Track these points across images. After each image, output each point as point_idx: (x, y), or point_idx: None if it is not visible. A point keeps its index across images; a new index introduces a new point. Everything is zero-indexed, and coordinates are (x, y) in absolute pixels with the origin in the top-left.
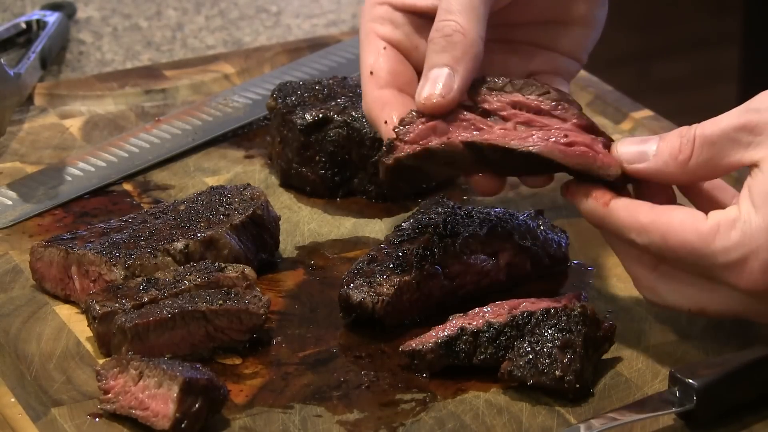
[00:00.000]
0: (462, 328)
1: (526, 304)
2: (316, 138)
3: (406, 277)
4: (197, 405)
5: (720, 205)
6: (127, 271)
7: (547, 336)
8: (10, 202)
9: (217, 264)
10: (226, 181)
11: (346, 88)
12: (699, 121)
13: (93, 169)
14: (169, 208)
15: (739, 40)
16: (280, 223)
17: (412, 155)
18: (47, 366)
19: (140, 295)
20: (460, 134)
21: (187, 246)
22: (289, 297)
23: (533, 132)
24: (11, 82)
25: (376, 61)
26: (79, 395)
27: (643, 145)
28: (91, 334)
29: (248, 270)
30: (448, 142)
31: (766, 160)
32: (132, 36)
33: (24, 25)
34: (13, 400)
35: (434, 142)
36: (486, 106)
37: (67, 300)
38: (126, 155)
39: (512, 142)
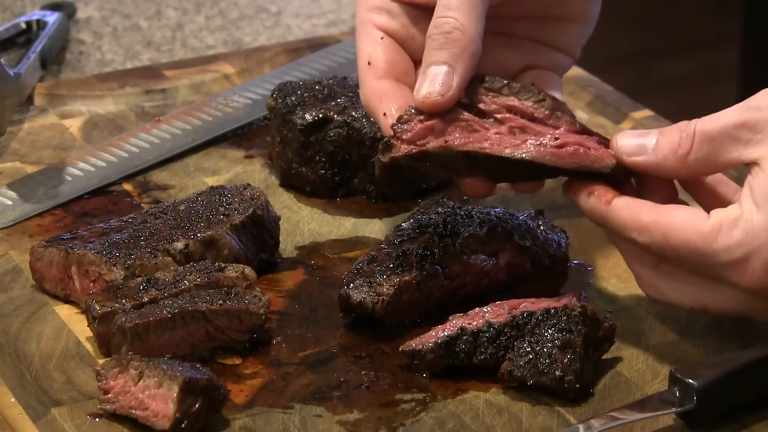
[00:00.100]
0: (462, 328)
1: (526, 304)
2: (316, 138)
3: (406, 277)
4: (197, 405)
5: (721, 200)
6: (127, 271)
7: (547, 336)
8: (10, 202)
9: (217, 264)
10: (226, 181)
11: (346, 88)
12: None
13: (93, 169)
14: (169, 208)
15: (739, 40)
16: (280, 223)
17: (409, 156)
18: (47, 366)
19: (140, 295)
20: (457, 139)
21: (187, 246)
22: (289, 297)
23: (526, 138)
24: (11, 82)
25: (374, 51)
26: (79, 395)
27: (643, 139)
28: (91, 334)
29: (248, 270)
30: (445, 146)
31: (765, 158)
32: (132, 36)
33: (24, 25)
34: (13, 400)
35: (431, 144)
36: (482, 106)
37: (67, 300)
38: (126, 155)
39: (506, 150)
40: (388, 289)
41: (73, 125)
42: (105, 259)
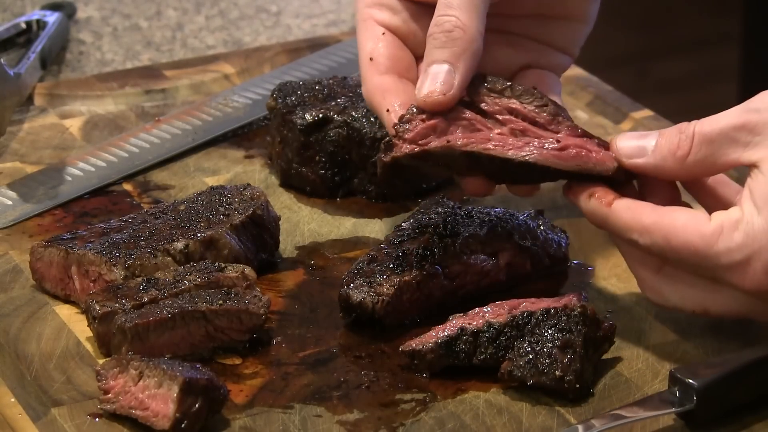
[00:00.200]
0: (462, 328)
1: (526, 304)
2: (316, 138)
3: (406, 277)
4: (197, 405)
5: (723, 201)
6: (127, 271)
7: (547, 336)
8: (10, 202)
9: (217, 264)
10: (226, 181)
11: (346, 88)
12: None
13: (93, 169)
14: (169, 208)
15: (739, 40)
16: (280, 223)
17: (410, 155)
18: (47, 366)
19: (140, 295)
20: (459, 139)
21: (187, 246)
22: (289, 297)
23: (528, 141)
24: (11, 82)
25: (375, 47)
26: (79, 395)
27: (642, 140)
28: (91, 334)
29: (248, 270)
30: (447, 146)
31: (765, 161)
32: (132, 36)
33: (24, 25)
34: (13, 400)
35: (433, 144)
36: (484, 107)
37: (67, 300)
38: (126, 155)
39: (509, 152)
40: (388, 289)
41: (73, 125)
42: (105, 259)
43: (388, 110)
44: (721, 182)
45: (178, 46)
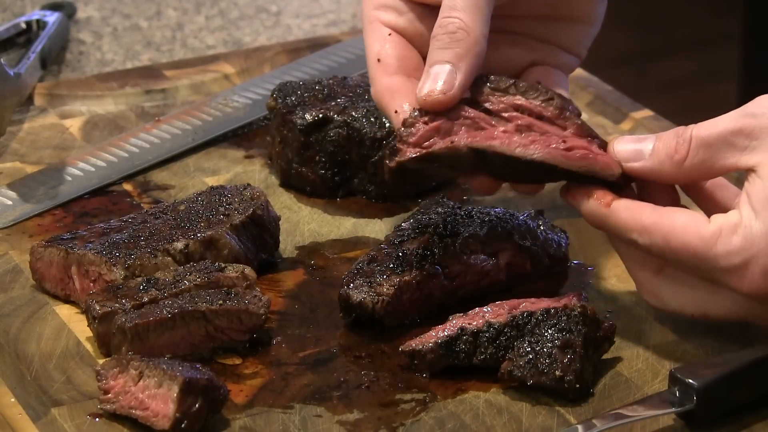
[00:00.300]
0: (462, 328)
1: (526, 304)
2: (316, 138)
3: (406, 277)
4: (197, 405)
5: (721, 204)
6: (127, 271)
7: (547, 336)
8: (10, 202)
9: (217, 264)
10: (226, 181)
11: (346, 88)
12: (699, 122)
13: (93, 169)
14: (169, 208)
15: (739, 40)
16: (280, 223)
17: (416, 159)
18: (47, 366)
19: (140, 295)
20: (464, 137)
21: (187, 246)
22: (289, 297)
23: (535, 139)
24: (11, 82)
25: (383, 48)
26: (79, 395)
27: (639, 144)
28: (91, 334)
29: (248, 270)
30: (452, 146)
31: (762, 165)
32: (132, 36)
33: (24, 25)
34: (13, 400)
35: (438, 145)
36: (489, 106)
37: (67, 300)
38: (126, 155)
39: (517, 149)
40: (388, 289)
41: (73, 125)
42: (105, 259)
43: (396, 111)
44: (719, 185)
45: (178, 46)
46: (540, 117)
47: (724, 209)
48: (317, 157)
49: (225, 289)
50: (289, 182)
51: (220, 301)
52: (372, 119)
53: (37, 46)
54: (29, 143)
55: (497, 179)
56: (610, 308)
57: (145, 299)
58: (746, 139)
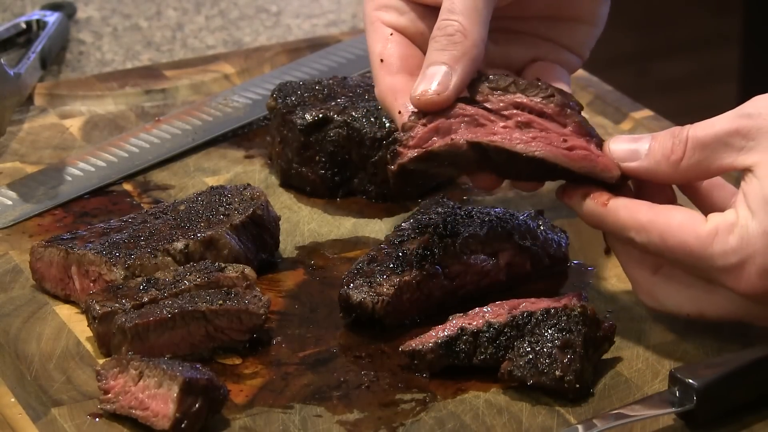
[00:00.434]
0: (462, 328)
1: (526, 304)
2: (316, 138)
3: (406, 277)
4: (197, 405)
5: (718, 202)
6: (127, 271)
7: (547, 336)
8: (10, 202)
9: (217, 264)
10: (226, 181)
11: (346, 88)
12: (698, 122)
13: (93, 169)
14: (169, 208)
15: (739, 40)
16: (280, 223)
17: (415, 159)
18: (47, 366)
19: (140, 295)
20: (464, 133)
21: (187, 246)
22: (289, 297)
23: (536, 135)
24: (11, 82)
25: (385, 48)
26: (79, 395)
27: (635, 144)
28: (91, 334)
29: (248, 270)
30: (452, 143)
31: (759, 165)
32: (132, 36)
33: (24, 25)
34: (13, 400)
35: (437, 144)
36: (489, 105)
37: (67, 300)
38: (126, 155)
39: (518, 146)
40: (388, 289)
41: (73, 125)
42: (105, 259)
43: (400, 112)
44: (716, 184)
45: (178, 46)
46: (541, 114)
47: (721, 208)
48: (317, 157)
49: (225, 289)
50: (289, 182)
51: (220, 301)
52: (372, 119)
53: (37, 46)
54: (29, 143)
55: (497, 176)
56: (610, 308)
57: (145, 299)
58: (743, 140)
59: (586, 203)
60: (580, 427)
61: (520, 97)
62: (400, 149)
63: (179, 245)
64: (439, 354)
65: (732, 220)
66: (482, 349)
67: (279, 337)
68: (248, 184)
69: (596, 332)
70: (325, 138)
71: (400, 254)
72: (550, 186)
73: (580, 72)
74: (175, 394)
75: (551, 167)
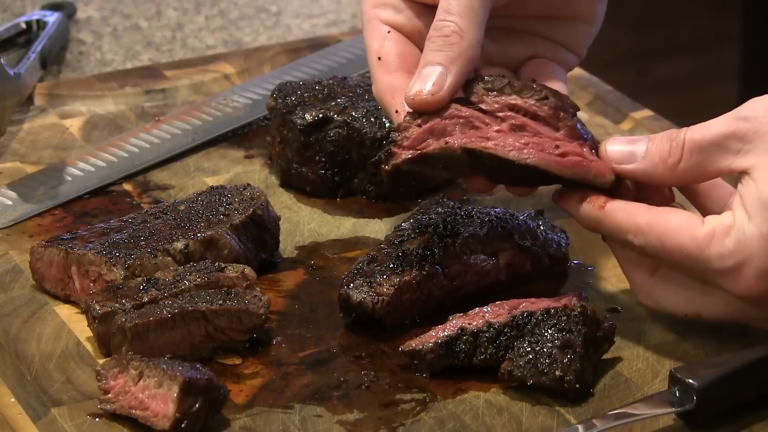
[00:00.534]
0: (462, 328)
1: (526, 304)
2: (316, 138)
3: (406, 277)
4: (197, 405)
5: (716, 202)
6: (127, 271)
7: (547, 336)
8: (10, 202)
9: (217, 264)
10: (226, 181)
11: (346, 88)
12: (698, 122)
13: (93, 169)
14: (169, 208)
15: (739, 40)
16: (280, 223)
17: (410, 161)
18: (47, 366)
19: (140, 295)
20: (458, 138)
21: (187, 246)
22: (289, 297)
23: (528, 141)
24: (11, 82)
25: (382, 46)
26: (79, 395)
27: (632, 146)
28: (91, 334)
29: (248, 270)
30: (446, 147)
31: (755, 168)
32: (132, 36)
33: (24, 25)
34: (13, 400)
35: (432, 146)
36: (483, 107)
37: (67, 300)
38: (126, 155)
39: (511, 153)
40: (388, 289)
41: (73, 125)
42: (105, 259)
43: (397, 111)
44: (714, 184)
45: (178, 46)
46: (534, 117)
47: (719, 207)
48: (317, 157)
49: (225, 289)
50: (289, 182)
51: (220, 301)
52: (372, 119)
53: (37, 46)
54: (29, 143)
55: (491, 181)
56: (610, 308)
57: (145, 299)
58: (739, 143)
59: (583, 207)
60: (580, 427)
61: (515, 99)
62: (395, 149)
63: (179, 245)
64: (439, 354)
65: (729, 222)
66: (482, 349)
67: (279, 337)
68: (248, 184)
69: (596, 332)
70: (325, 138)
71: (400, 254)
72: (550, 187)
73: (580, 72)
74: (175, 394)
75: (543, 174)
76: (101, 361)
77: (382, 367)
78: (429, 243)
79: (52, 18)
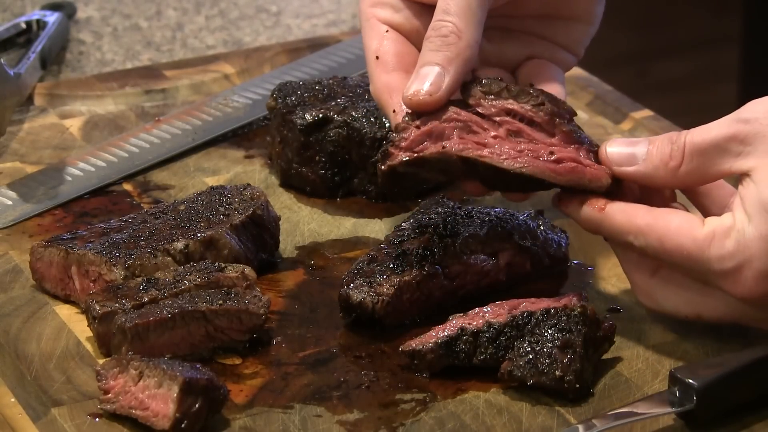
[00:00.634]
0: (462, 328)
1: (526, 304)
2: (316, 138)
3: (406, 277)
4: (197, 405)
5: (717, 202)
6: (127, 271)
7: (547, 336)
8: (10, 202)
9: (217, 264)
10: (226, 181)
11: (346, 88)
12: (699, 122)
13: (93, 169)
14: (169, 208)
15: (739, 40)
16: (280, 223)
17: (406, 163)
18: (47, 366)
19: (140, 295)
20: (455, 144)
21: (187, 246)
22: (289, 297)
23: (523, 149)
24: (11, 82)
25: (380, 45)
26: (79, 395)
27: (632, 148)
28: (91, 334)
29: (248, 270)
30: (442, 152)
31: (756, 170)
32: (132, 36)
33: (24, 25)
34: (13, 400)
35: (429, 150)
36: (480, 110)
37: (67, 300)
38: (126, 155)
39: (505, 162)
40: (388, 289)
41: (73, 125)
42: (105, 259)
43: (394, 111)
44: (715, 185)
45: (178, 46)
46: (531, 122)
47: (720, 208)
48: (317, 157)
49: (225, 289)
50: (289, 182)
51: (220, 301)
52: (372, 119)
53: (37, 46)
54: (29, 143)
55: (487, 187)
56: (610, 308)
57: (145, 299)
58: (740, 145)
59: (583, 210)
60: (580, 427)
61: (511, 104)
62: (392, 150)
63: (179, 245)
64: (439, 354)
65: (729, 224)
66: (482, 349)
67: (279, 337)
68: (248, 184)
69: (596, 332)
70: (325, 138)
71: (400, 254)
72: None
73: (580, 72)
74: (175, 394)
75: (539, 181)
76: (101, 361)
77: (382, 367)
78: (429, 243)
79: (52, 18)
